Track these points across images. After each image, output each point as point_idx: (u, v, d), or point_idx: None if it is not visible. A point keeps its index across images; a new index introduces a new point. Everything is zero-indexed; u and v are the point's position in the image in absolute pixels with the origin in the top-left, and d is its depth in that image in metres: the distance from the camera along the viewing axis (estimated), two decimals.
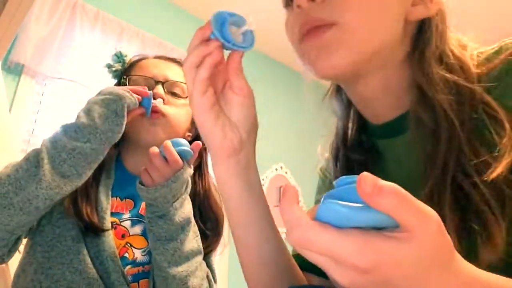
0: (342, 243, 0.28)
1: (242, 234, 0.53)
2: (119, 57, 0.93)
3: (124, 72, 0.92)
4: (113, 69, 0.92)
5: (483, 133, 0.44)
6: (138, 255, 0.80)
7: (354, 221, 0.28)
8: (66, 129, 0.71)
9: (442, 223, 0.29)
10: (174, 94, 0.88)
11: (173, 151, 0.73)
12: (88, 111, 0.72)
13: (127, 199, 0.84)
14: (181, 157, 0.74)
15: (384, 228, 0.29)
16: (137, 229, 0.82)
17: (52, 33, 1.98)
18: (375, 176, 0.28)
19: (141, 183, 0.75)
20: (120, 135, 0.74)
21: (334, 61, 0.49)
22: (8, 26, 1.01)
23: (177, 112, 0.87)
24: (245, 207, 0.52)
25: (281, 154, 2.96)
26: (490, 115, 0.45)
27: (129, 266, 0.78)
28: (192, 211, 0.81)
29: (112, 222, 0.79)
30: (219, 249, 0.92)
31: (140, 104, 0.78)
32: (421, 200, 0.42)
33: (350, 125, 0.63)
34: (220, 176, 0.52)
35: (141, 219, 0.83)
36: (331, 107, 0.66)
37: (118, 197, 0.83)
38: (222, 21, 0.46)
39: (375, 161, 0.58)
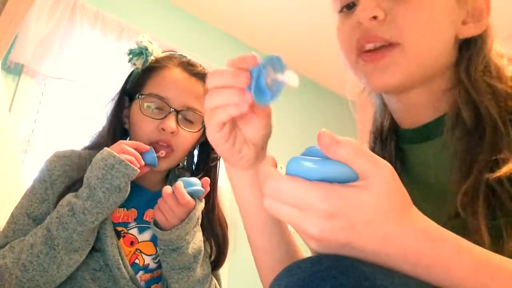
0: (308, 191, 0.31)
1: (255, 239, 0.55)
2: (143, 51, 0.86)
3: (140, 77, 0.87)
4: (134, 65, 0.86)
5: (507, 135, 0.47)
6: (149, 261, 0.82)
7: (318, 172, 0.32)
8: (74, 210, 0.71)
9: (395, 172, 0.32)
10: (186, 120, 0.84)
11: (184, 193, 0.74)
12: (93, 189, 0.71)
13: (132, 209, 0.84)
14: (192, 196, 0.76)
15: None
16: (146, 235, 0.83)
17: (52, 33, 1.98)
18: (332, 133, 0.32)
19: (155, 223, 0.77)
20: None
21: (388, 79, 0.52)
22: (8, 26, 1.01)
23: (185, 143, 0.84)
24: (257, 214, 0.54)
25: (281, 155, 2.96)
26: None
27: (141, 272, 0.81)
28: (202, 239, 0.82)
29: (120, 231, 0.81)
30: None
31: (144, 159, 0.77)
32: (456, 199, 0.44)
33: (385, 122, 0.65)
34: (235, 185, 0.54)
35: (147, 225, 0.84)
36: (372, 101, 0.68)
37: (124, 208, 0.83)
38: (259, 74, 0.41)
39: (401, 164, 0.60)
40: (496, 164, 0.44)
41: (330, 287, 0.27)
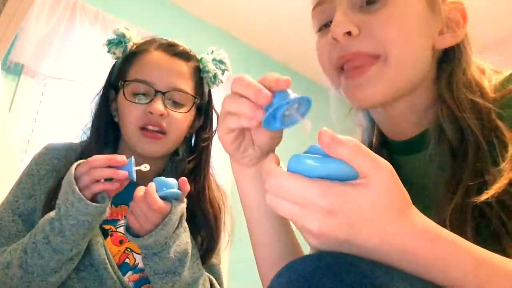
0: (308, 187, 0.31)
1: (256, 233, 0.56)
2: (121, 39, 0.84)
3: (122, 65, 0.84)
4: (114, 54, 0.85)
5: (491, 151, 0.47)
6: (140, 260, 0.78)
7: (318, 170, 0.32)
8: (49, 239, 0.66)
9: (394, 172, 0.33)
10: (174, 103, 0.81)
11: (156, 198, 0.66)
12: (61, 223, 0.65)
13: (121, 205, 0.81)
14: (167, 199, 0.68)
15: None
16: None
17: (51, 33, 1.98)
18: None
19: (128, 229, 0.70)
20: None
21: (371, 95, 0.52)
22: (8, 26, 1.02)
23: (177, 124, 0.81)
24: (258, 208, 0.54)
25: (281, 155, 2.96)
26: (499, 138, 0.47)
27: (130, 272, 0.77)
28: (189, 241, 0.76)
29: (107, 229, 0.77)
30: (223, 245, 0.89)
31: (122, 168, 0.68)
32: (445, 220, 0.44)
33: (374, 139, 0.66)
34: (237, 180, 0.55)
35: None
36: (357, 120, 0.69)
37: (113, 204, 0.79)
38: (282, 104, 0.41)
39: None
40: (483, 184, 0.44)
41: (331, 283, 0.28)
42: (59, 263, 0.67)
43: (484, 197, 0.42)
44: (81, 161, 0.68)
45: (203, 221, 0.84)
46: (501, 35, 2.54)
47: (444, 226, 0.44)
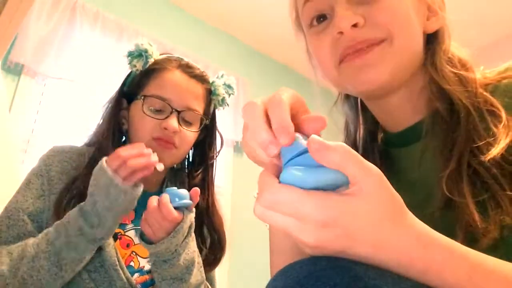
0: (304, 201, 0.31)
1: (278, 241, 0.55)
2: (142, 53, 0.87)
3: (140, 78, 0.88)
4: (134, 67, 0.87)
5: (482, 121, 0.49)
6: (145, 263, 0.82)
7: (311, 181, 0.32)
8: (83, 231, 0.70)
9: (384, 177, 0.32)
10: (186, 122, 0.86)
11: (171, 209, 0.71)
12: (103, 217, 0.70)
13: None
14: (180, 209, 0.74)
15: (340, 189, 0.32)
16: None
17: (52, 33, 1.98)
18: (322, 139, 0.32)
19: (142, 236, 0.75)
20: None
21: (375, 75, 0.53)
22: (8, 26, 1.02)
23: (187, 141, 0.87)
24: None
25: None
26: (489, 110, 0.49)
27: (137, 274, 0.80)
28: (197, 249, 0.81)
29: (116, 233, 0.81)
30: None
31: None
32: (442, 183, 0.46)
33: (360, 130, 0.67)
34: None
35: None
36: (344, 111, 0.70)
37: None
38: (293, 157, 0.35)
39: (387, 168, 0.61)
40: (477, 148, 0.46)
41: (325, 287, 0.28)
42: (89, 251, 0.71)
43: (485, 157, 0.44)
44: (106, 158, 0.72)
45: (212, 232, 0.89)
46: (495, 38, 2.54)
47: (442, 194, 0.46)
